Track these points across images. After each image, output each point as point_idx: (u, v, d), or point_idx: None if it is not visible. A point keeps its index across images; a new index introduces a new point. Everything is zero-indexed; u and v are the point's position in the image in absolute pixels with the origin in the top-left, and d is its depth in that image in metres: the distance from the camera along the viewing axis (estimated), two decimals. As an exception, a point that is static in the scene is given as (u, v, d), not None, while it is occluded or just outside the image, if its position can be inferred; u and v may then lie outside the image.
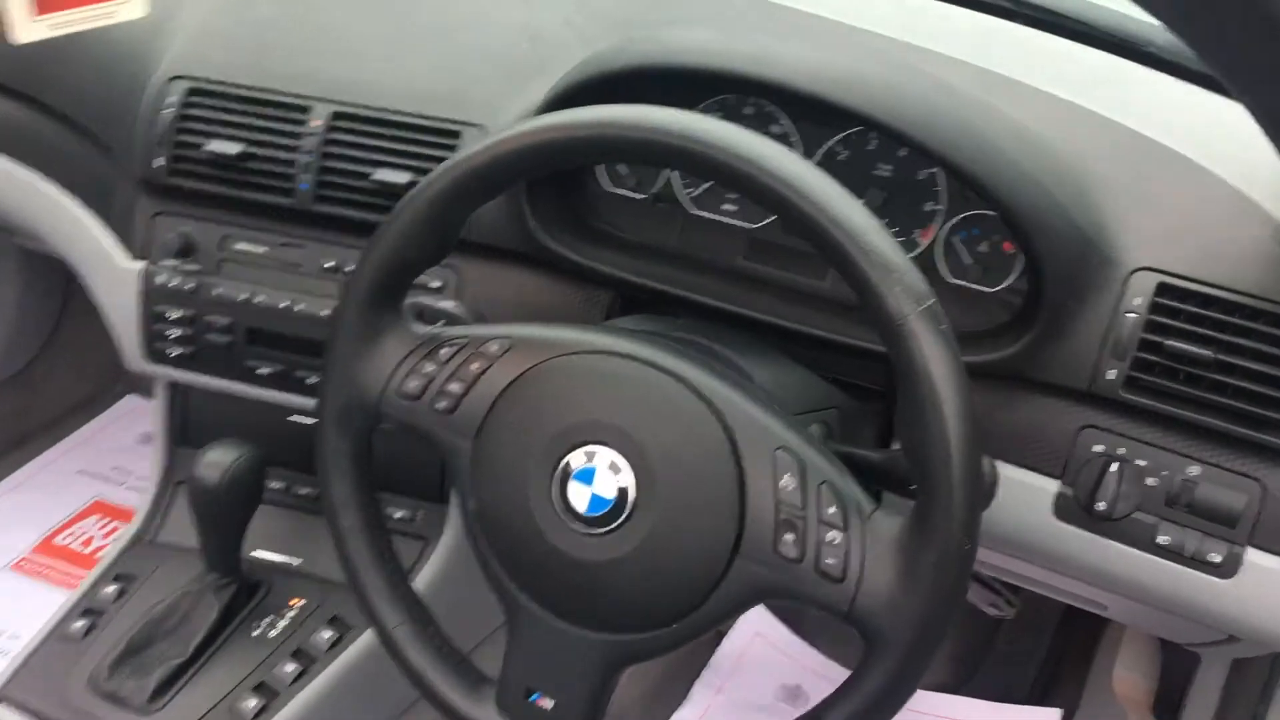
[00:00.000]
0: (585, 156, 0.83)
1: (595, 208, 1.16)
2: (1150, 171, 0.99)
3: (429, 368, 0.87)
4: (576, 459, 0.81)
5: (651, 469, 0.79)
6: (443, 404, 0.86)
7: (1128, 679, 1.45)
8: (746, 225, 1.13)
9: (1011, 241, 1.03)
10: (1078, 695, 1.53)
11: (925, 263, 1.06)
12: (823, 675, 1.55)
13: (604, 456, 0.80)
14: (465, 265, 1.18)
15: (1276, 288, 0.91)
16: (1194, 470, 0.96)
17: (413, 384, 0.87)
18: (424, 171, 1.10)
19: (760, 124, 1.09)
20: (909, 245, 1.07)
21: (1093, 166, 0.97)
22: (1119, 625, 1.51)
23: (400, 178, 1.14)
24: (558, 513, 0.81)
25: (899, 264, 0.71)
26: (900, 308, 0.71)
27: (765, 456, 0.78)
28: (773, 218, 1.09)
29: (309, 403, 1.19)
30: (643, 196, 1.16)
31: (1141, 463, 0.97)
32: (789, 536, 0.76)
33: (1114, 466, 0.96)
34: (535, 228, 1.10)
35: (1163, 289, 0.95)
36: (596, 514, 0.80)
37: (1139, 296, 0.95)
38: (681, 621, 0.80)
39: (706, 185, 1.12)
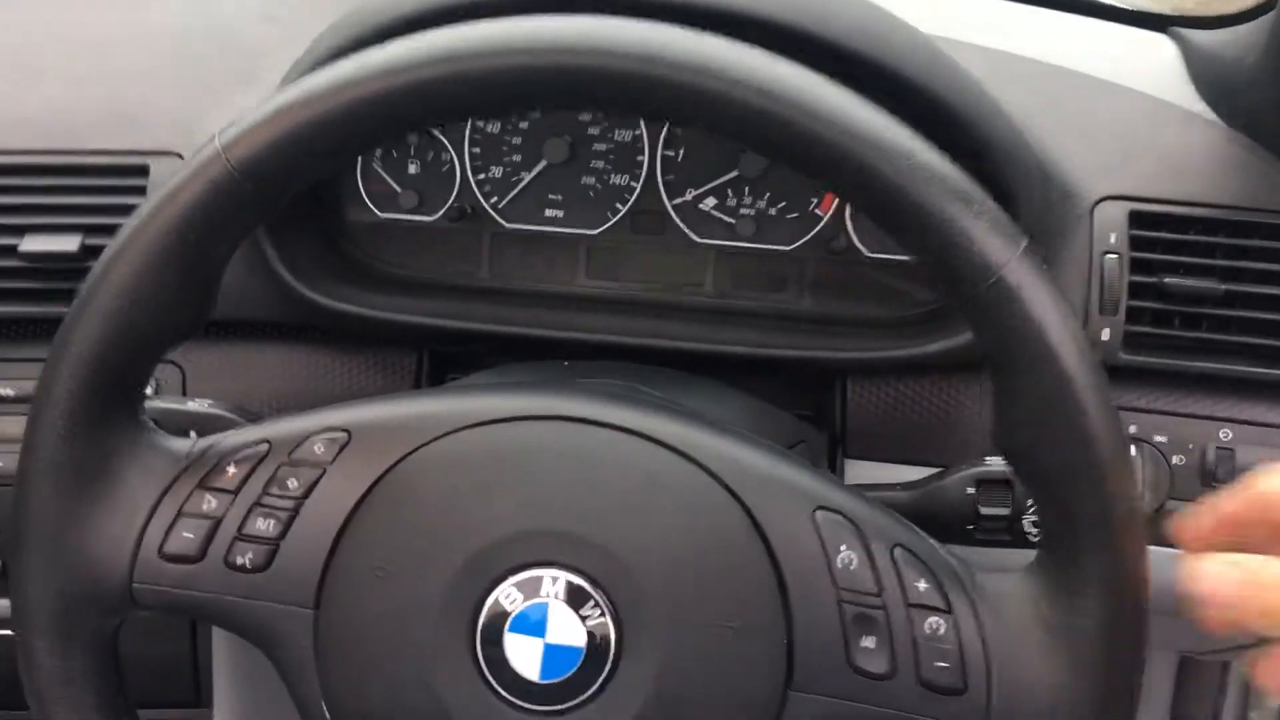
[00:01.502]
0: (490, 105, 0.63)
1: (363, 242, 0.97)
2: (1078, 99, 0.93)
3: (209, 503, 0.60)
4: (509, 597, 0.58)
5: (636, 590, 0.58)
6: (246, 558, 0.60)
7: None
8: (584, 233, 0.96)
9: None
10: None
11: (827, 240, 0.93)
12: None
13: (554, 584, 0.58)
14: (190, 356, 0.93)
15: (1253, 194, 0.86)
16: (1226, 434, 0.84)
17: (184, 536, 0.60)
18: (102, 230, 0.88)
19: None
20: (807, 222, 0.93)
21: (1021, 101, 0.88)
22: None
23: (65, 244, 0.87)
24: (488, 692, 0.58)
25: (973, 192, 0.53)
26: (992, 253, 0.52)
27: (802, 526, 0.58)
28: (616, 219, 0.94)
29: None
30: (429, 219, 0.96)
31: (1161, 439, 0.85)
32: (868, 641, 0.57)
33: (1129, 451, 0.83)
34: (290, 278, 0.88)
35: (1136, 219, 0.86)
36: (557, 679, 0.57)
37: (1112, 233, 0.85)
38: None
39: (519, 190, 0.95)
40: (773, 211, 0.92)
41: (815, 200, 0.92)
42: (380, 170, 0.95)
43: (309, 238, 0.91)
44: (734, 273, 0.94)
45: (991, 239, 0.52)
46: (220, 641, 1.03)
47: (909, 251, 0.56)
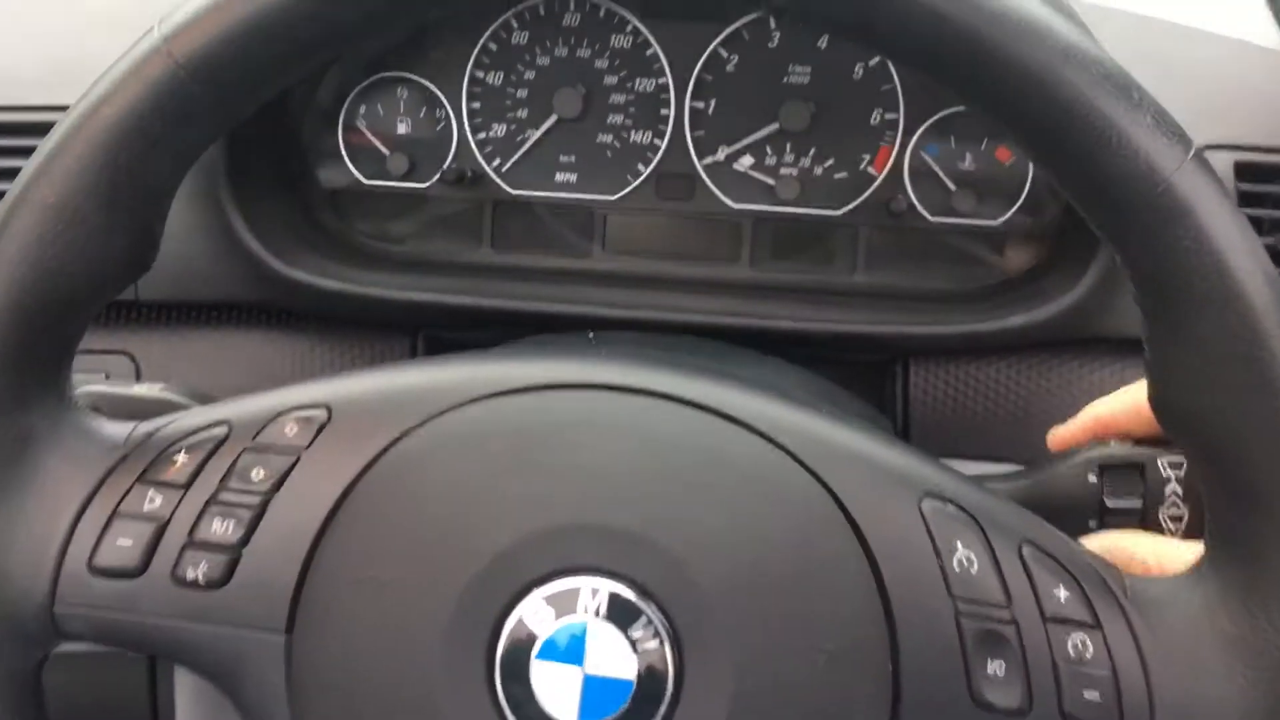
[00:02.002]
0: None
1: (345, 212, 0.88)
2: (1169, 48, 0.84)
3: (152, 501, 0.48)
4: (536, 615, 0.46)
5: (699, 603, 0.46)
6: (199, 570, 0.48)
7: None
8: (601, 199, 0.85)
9: (1010, 145, 0.81)
10: None
11: (884, 203, 0.83)
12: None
13: (594, 597, 0.45)
14: (144, 344, 0.83)
15: None
16: None
17: (121, 544, 0.48)
18: None
19: (595, 34, 0.83)
20: (859, 182, 0.83)
21: (1110, 50, 0.73)
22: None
23: None
24: None
25: (1131, 80, 0.42)
26: (1157, 156, 0.41)
27: (907, 519, 0.47)
28: (638, 183, 0.84)
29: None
30: (422, 185, 0.86)
31: None
32: (995, 666, 0.46)
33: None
34: (260, 251, 0.79)
35: (1242, 170, 0.77)
36: None
37: None
38: None
39: (526, 150, 0.84)
40: (819, 171, 0.82)
41: (868, 157, 0.82)
42: (364, 129, 0.84)
43: (282, 205, 0.83)
44: (775, 243, 0.84)
45: (1156, 138, 0.41)
46: (186, 676, 0.91)
47: (1036, 158, 0.44)
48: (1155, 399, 0.46)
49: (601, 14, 0.81)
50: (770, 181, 0.82)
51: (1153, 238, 0.42)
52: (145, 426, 0.50)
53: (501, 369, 0.50)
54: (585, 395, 0.48)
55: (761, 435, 0.47)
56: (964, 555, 0.45)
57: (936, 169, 0.81)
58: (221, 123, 0.47)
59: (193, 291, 0.80)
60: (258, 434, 0.48)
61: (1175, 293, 0.42)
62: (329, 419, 0.48)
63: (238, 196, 0.77)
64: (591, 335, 0.72)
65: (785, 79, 0.81)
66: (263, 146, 0.80)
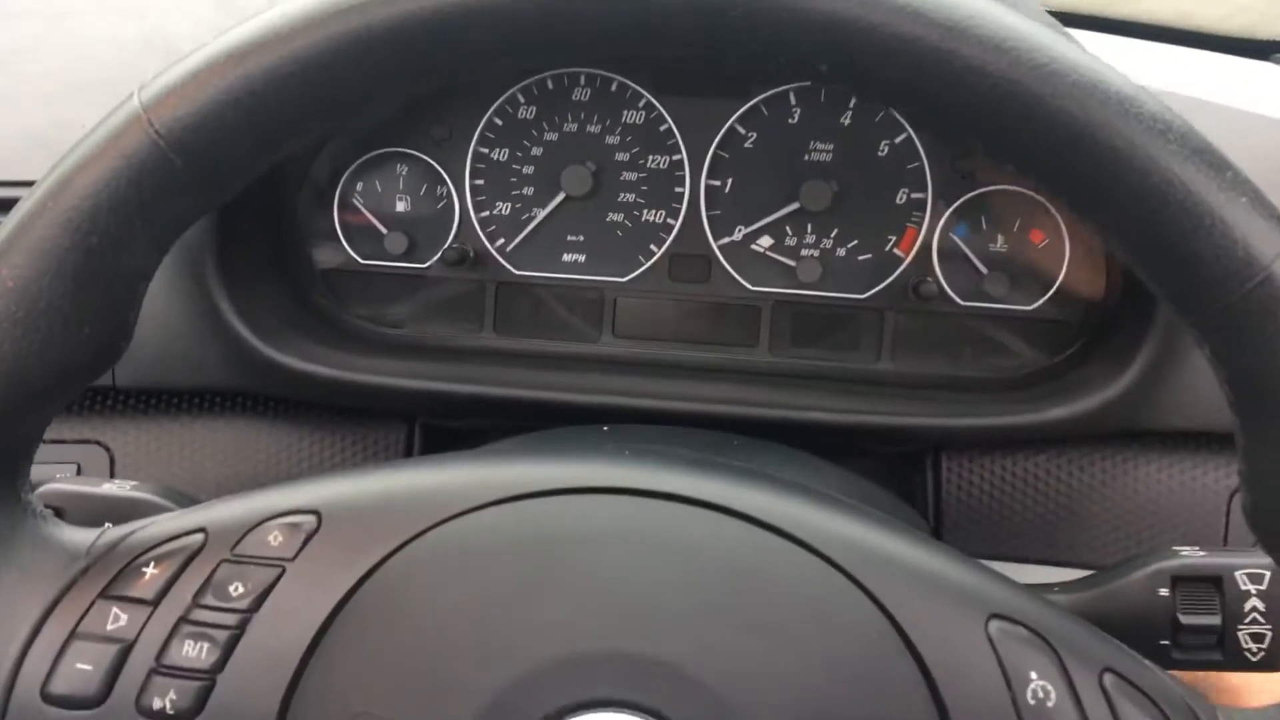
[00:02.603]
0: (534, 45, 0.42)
1: (340, 294, 0.84)
2: (1222, 133, 0.74)
3: (116, 620, 0.43)
4: None
5: None
6: (167, 699, 0.42)
7: None
8: (610, 281, 0.81)
9: (1045, 226, 0.78)
10: None
11: (911, 286, 0.79)
12: None
13: None
14: (120, 434, 0.79)
15: None
16: None
17: (79, 669, 0.43)
18: None
19: (606, 109, 0.80)
20: (885, 264, 0.79)
21: None
22: None
23: None
24: None
25: (1224, 158, 0.39)
26: (1256, 242, 0.37)
27: (973, 644, 0.42)
28: (650, 264, 0.81)
29: None
30: (421, 266, 0.83)
31: None
32: None
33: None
34: (248, 336, 0.75)
35: None
36: None
37: None
38: None
39: (531, 229, 0.81)
40: (842, 252, 0.77)
41: (894, 238, 0.78)
42: (361, 206, 0.80)
43: (272, 286, 0.79)
44: (795, 328, 0.80)
45: (1254, 221, 0.37)
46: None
47: (1117, 240, 0.40)
48: (1250, 509, 0.41)
49: (613, 88, 0.78)
50: (790, 263, 0.78)
51: (1249, 333, 0.38)
52: (111, 534, 0.45)
53: (510, 470, 0.45)
54: (606, 501, 0.43)
55: (808, 548, 0.42)
56: (1039, 686, 0.41)
57: (967, 251, 0.77)
58: (205, 200, 0.43)
59: (174, 377, 0.76)
60: (238, 543, 0.44)
61: (1274, 395, 0.38)
62: (318, 527, 0.44)
63: (225, 276, 0.73)
64: (606, 428, 0.66)
65: (806, 156, 0.78)
66: (253, 223, 0.76)
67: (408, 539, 0.43)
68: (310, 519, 0.44)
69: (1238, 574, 0.52)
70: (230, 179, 0.43)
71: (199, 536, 0.44)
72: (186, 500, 0.58)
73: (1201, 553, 0.52)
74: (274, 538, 0.44)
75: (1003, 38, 0.37)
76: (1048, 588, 0.56)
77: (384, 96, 0.42)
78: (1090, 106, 0.37)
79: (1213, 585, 0.53)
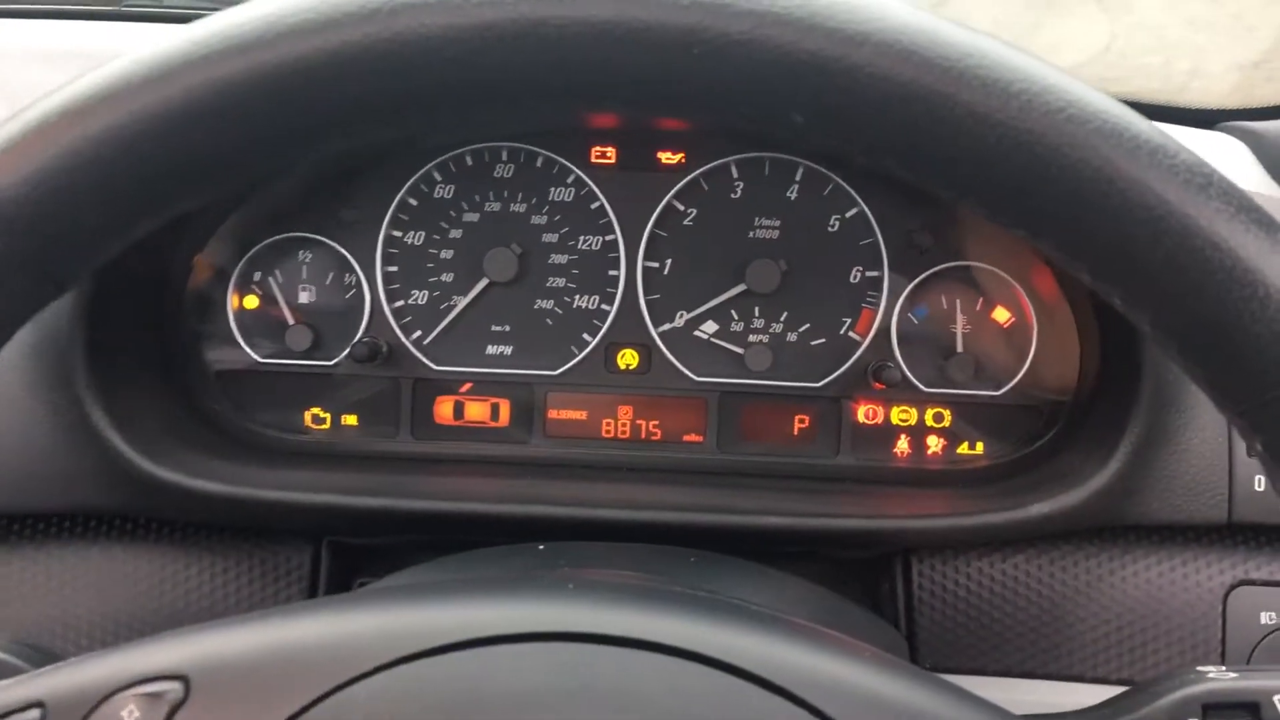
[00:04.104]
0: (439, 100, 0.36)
1: (233, 396, 0.77)
2: None
3: None
4: None
5: None
6: None
7: None
8: (540, 375, 0.76)
9: (1010, 304, 0.74)
10: None
11: (871, 372, 0.74)
12: None
13: None
14: None
15: None
16: None
17: None
18: None
19: (532, 186, 0.75)
20: (840, 349, 0.75)
21: None
22: None
23: None
24: None
25: (1272, 219, 0.33)
26: None
27: None
28: (584, 354, 0.75)
29: None
30: (328, 363, 0.76)
31: None
32: None
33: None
34: (125, 448, 0.67)
35: None
36: None
37: None
38: None
39: (452, 320, 0.75)
40: (793, 337, 0.73)
41: (849, 321, 0.73)
42: (260, 297, 0.74)
43: (154, 391, 0.72)
44: (745, 421, 0.75)
45: None
46: None
47: (1145, 316, 0.34)
48: None
49: (539, 163, 0.73)
50: (738, 350, 0.73)
51: None
52: None
53: (427, 616, 0.37)
54: (545, 651, 0.35)
55: (781, 693, 0.34)
56: None
57: (927, 333, 0.73)
58: (41, 289, 0.35)
59: (40, 500, 0.68)
60: (102, 705, 0.37)
61: None
62: (185, 696, 0.36)
63: (97, 380, 0.66)
64: (543, 547, 0.59)
65: (751, 234, 0.73)
66: (131, 318, 0.69)
67: (305, 705, 0.35)
68: (175, 687, 0.36)
69: (1277, 699, 0.46)
70: (71, 265, 0.35)
71: (35, 713, 0.36)
72: (40, 656, 0.49)
73: (1231, 674, 0.46)
74: (129, 713, 0.35)
75: (1010, 80, 0.32)
76: (1063, 717, 0.50)
77: (267, 159, 0.35)
78: (1116, 157, 0.31)
79: (1248, 713, 0.47)
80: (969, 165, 0.33)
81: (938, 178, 0.34)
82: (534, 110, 0.35)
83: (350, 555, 0.72)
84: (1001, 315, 0.72)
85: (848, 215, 0.72)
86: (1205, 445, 0.67)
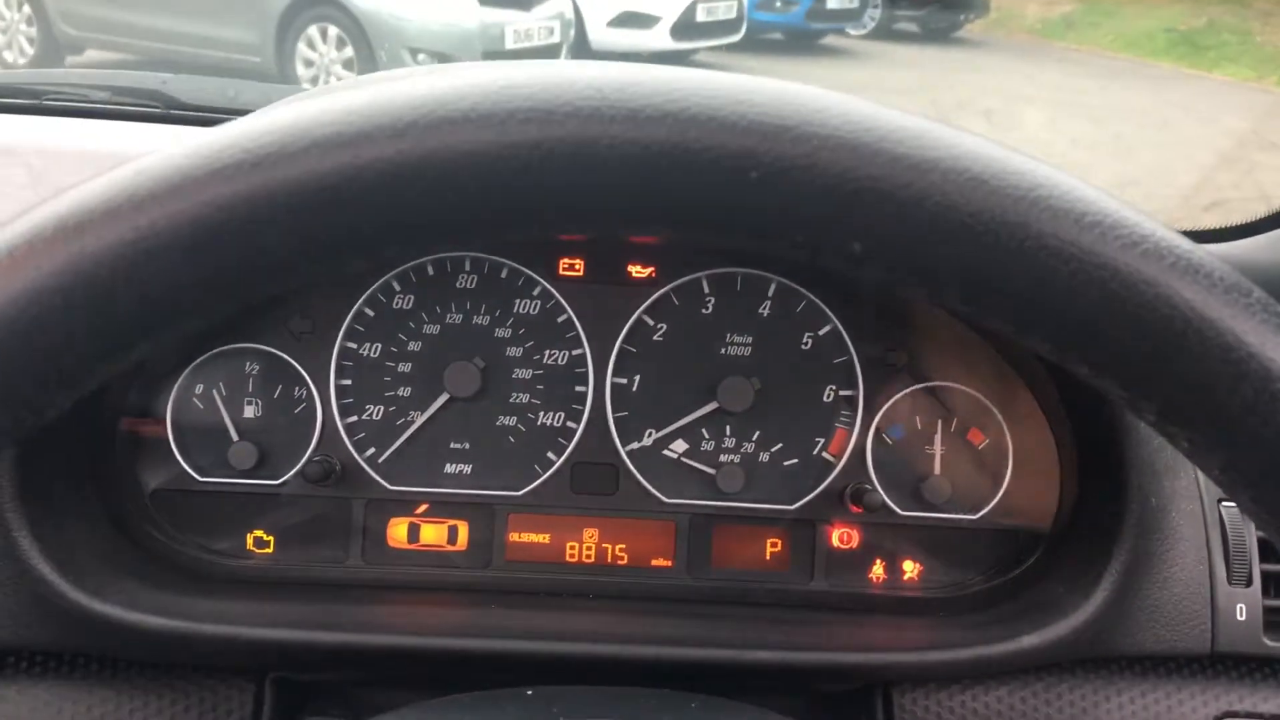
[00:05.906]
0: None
1: (173, 520, 0.71)
2: None
3: None
4: None
5: None
6: None
7: None
8: (502, 495, 0.72)
9: (986, 425, 0.72)
10: None
11: (846, 494, 0.72)
12: None
13: None
14: None
15: None
16: None
17: None
18: None
19: (495, 298, 0.72)
20: (814, 470, 0.72)
21: None
22: None
23: None
24: None
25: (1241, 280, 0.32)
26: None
27: None
28: (548, 474, 0.72)
29: None
30: (274, 483, 0.71)
31: None
32: None
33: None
34: (57, 580, 0.62)
35: None
36: None
37: None
38: None
39: (409, 437, 0.71)
40: (765, 457, 0.70)
41: (822, 441, 0.70)
42: (201, 411, 0.68)
43: (87, 515, 0.67)
44: (717, 545, 0.71)
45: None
46: None
47: (1222, 468, 0.32)
48: None
49: (504, 274, 0.69)
50: (709, 470, 0.70)
51: None
52: None
53: None
54: None
55: None
56: None
57: (902, 455, 0.70)
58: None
59: None
60: None
61: None
62: None
63: (25, 505, 0.61)
64: (530, 692, 0.54)
65: (723, 350, 0.71)
66: (63, 434, 0.63)
67: None
68: None
69: None
70: (27, 415, 0.31)
71: None
72: None
73: None
74: None
75: (1082, 210, 0.30)
76: None
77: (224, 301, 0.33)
78: (1194, 297, 0.30)
79: None
80: (1036, 299, 0.31)
81: (1002, 312, 0.32)
82: (575, 232, 0.32)
83: (296, 691, 0.66)
84: (976, 437, 0.70)
85: (821, 333, 0.70)
86: (1186, 573, 0.66)
